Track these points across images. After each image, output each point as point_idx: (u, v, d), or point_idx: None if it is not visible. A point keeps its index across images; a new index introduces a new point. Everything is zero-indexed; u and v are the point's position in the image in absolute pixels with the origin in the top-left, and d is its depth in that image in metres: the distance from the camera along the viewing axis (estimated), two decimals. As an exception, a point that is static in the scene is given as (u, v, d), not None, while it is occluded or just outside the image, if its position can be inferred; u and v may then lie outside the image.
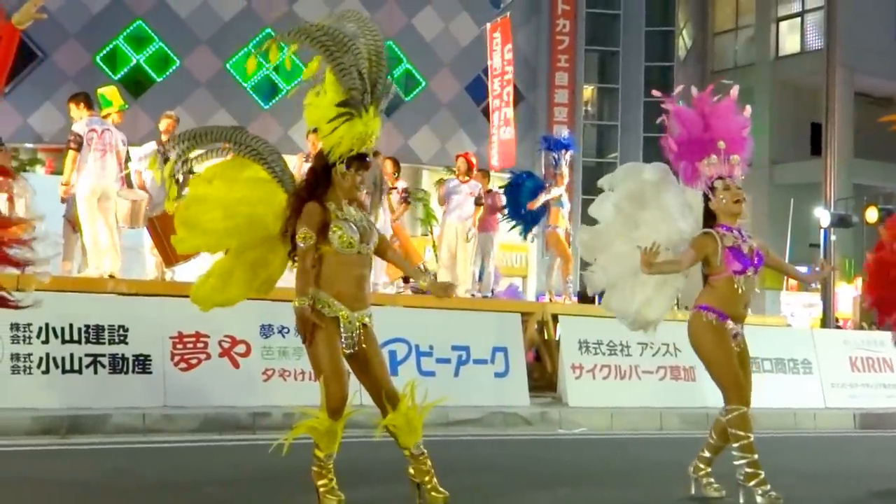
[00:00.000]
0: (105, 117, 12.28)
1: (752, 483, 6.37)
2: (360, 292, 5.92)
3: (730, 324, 6.50)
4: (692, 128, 6.71)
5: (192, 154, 6.22)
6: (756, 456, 6.39)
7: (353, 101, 5.85)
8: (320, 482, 5.90)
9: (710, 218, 6.61)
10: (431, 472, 6.01)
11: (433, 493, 5.94)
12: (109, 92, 12.86)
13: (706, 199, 6.62)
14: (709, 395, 12.24)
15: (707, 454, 6.71)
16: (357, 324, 5.88)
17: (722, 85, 6.86)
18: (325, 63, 5.88)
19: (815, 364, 14.31)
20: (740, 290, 6.49)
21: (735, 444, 6.43)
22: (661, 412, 11.94)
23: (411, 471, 6.04)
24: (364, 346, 5.92)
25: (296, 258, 5.91)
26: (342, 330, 5.84)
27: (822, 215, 23.31)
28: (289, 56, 6.01)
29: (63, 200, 12.38)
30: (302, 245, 5.77)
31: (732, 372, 6.47)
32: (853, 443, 11.89)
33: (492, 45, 23.13)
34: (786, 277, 29.90)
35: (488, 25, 23.63)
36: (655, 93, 7.13)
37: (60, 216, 12.56)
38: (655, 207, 6.81)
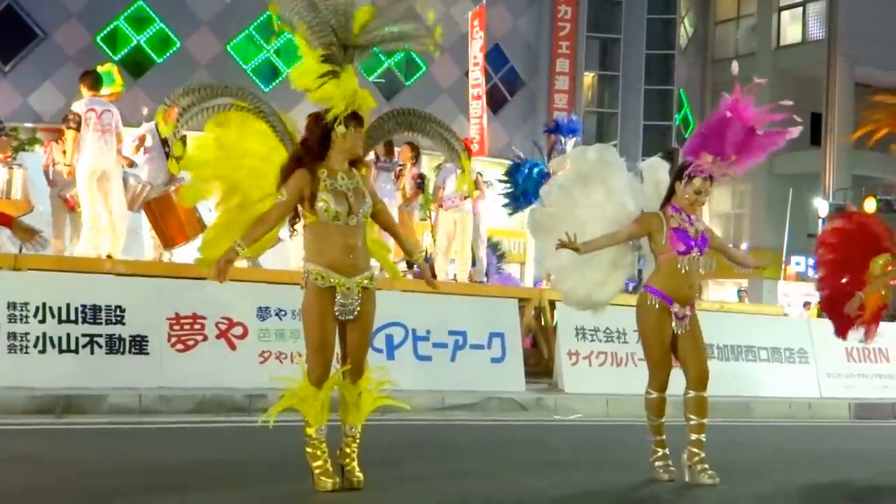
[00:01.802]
0: (110, 96, 12.27)
1: (651, 458, 6.81)
2: (354, 259, 5.88)
3: (676, 307, 6.67)
4: (729, 136, 6.73)
5: (199, 107, 6.21)
6: (662, 437, 6.82)
7: (333, 58, 5.93)
8: (315, 464, 5.91)
9: (671, 192, 6.78)
10: (353, 457, 6.00)
11: (350, 477, 5.94)
12: (114, 70, 12.86)
13: (678, 175, 6.75)
14: (704, 384, 12.30)
15: (694, 436, 6.73)
16: (357, 288, 5.88)
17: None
18: (299, 25, 5.95)
19: (811, 354, 14.33)
20: (683, 270, 6.68)
21: (649, 424, 6.82)
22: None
23: (338, 451, 6.02)
24: (360, 310, 5.91)
25: (294, 224, 5.97)
26: (339, 297, 5.83)
27: (821, 205, 23.33)
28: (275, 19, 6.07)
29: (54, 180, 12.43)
30: (276, 201, 5.83)
31: (655, 357, 6.77)
32: (848, 432, 11.91)
33: (472, 33, 23.11)
34: (784, 266, 30.02)
35: (469, 14, 23.56)
36: (759, 80, 7.06)
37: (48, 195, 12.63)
38: (601, 186, 6.99)
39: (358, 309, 5.90)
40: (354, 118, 5.92)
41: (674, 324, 6.70)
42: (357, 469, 5.99)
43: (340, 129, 5.87)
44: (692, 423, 6.72)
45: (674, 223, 6.67)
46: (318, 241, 5.86)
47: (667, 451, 6.80)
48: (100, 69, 12.69)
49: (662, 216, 6.70)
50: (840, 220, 9.18)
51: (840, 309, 8.18)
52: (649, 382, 6.82)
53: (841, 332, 8.49)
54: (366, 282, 5.93)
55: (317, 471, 5.89)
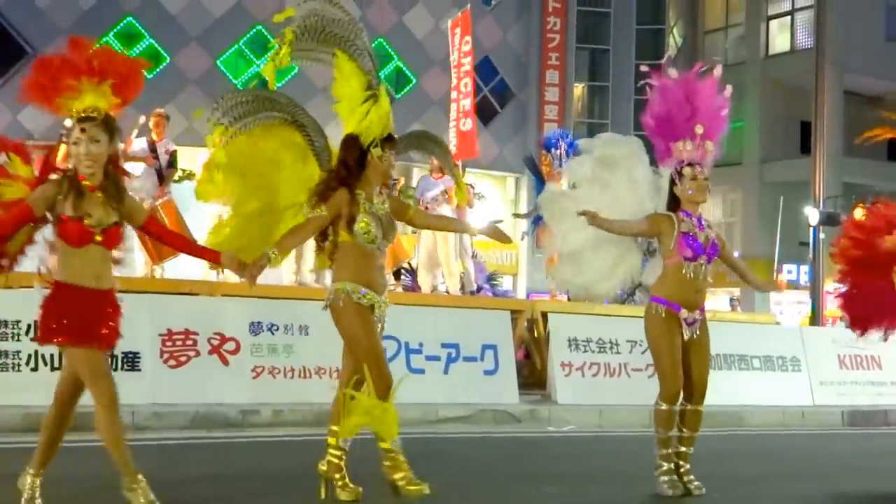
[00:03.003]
0: None
1: (656, 472, 6.62)
2: (383, 280, 6.11)
3: (684, 312, 6.59)
4: (674, 106, 6.70)
5: (243, 119, 6.18)
6: (670, 450, 6.61)
7: (373, 83, 5.99)
8: (337, 475, 5.96)
9: (673, 201, 6.70)
10: (405, 468, 6.02)
11: (409, 488, 5.95)
12: None
13: (672, 181, 6.68)
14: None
15: (683, 449, 6.71)
16: (385, 305, 6.04)
17: (710, 64, 6.88)
18: (337, 51, 5.98)
19: (803, 362, 14.36)
20: (689, 276, 6.59)
21: (656, 437, 6.63)
22: (649, 410, 11.90)
23: (385, 468, 6.03)
24: (381, 326, 6.09)
25: (323, 243, 6.02)
26: (377, 313, 5.98)
27: (812, 213, 23.35)
28: (285, 51, 6.02)
29: None
30: (310, 214, 5.88)
31: (667, 368, 6.60)
32: (841, 440, 11.92)
33: (452, 41, 23.06)
34: (775, 275, 30.04)
35: (449, 22, 23.53)
36: (645, 68, 7.13)
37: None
38: (626, 178, 6.92)
39: (382, 326, 6.09)
40: (389, 140, 6.01)
41: (685, 330, 6.60)
42: (414, 478, 6.01)
43: (377, 151, 5.94)
44: (685, 435, 6.69)
45: (684, 227, 6.59)
46: (353, 260, 5.96)
47: (672, 465, 6.66)
48: None
49: (674, 219, 6.61)
50: (864, 213, 9.01)
51: (861, 306, 8.06)
52: (661, 394, 6.63)
53: (860, 328, 8.29)
54: (388, 301, 6.11)
55: (339, 482, 5.96)
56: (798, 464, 9.16)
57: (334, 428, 6.04)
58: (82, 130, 5.27)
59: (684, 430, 6.70)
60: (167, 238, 5.79)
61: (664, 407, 6.61)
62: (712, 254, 6.69)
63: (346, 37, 6.00)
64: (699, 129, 6.61)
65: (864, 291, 7.93)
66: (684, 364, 6.68)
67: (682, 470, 6.67)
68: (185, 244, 5.79)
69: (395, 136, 6.15)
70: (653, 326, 6.64)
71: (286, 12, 6.13)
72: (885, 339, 8.30)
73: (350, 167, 5.96)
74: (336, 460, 5.99)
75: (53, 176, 5.39)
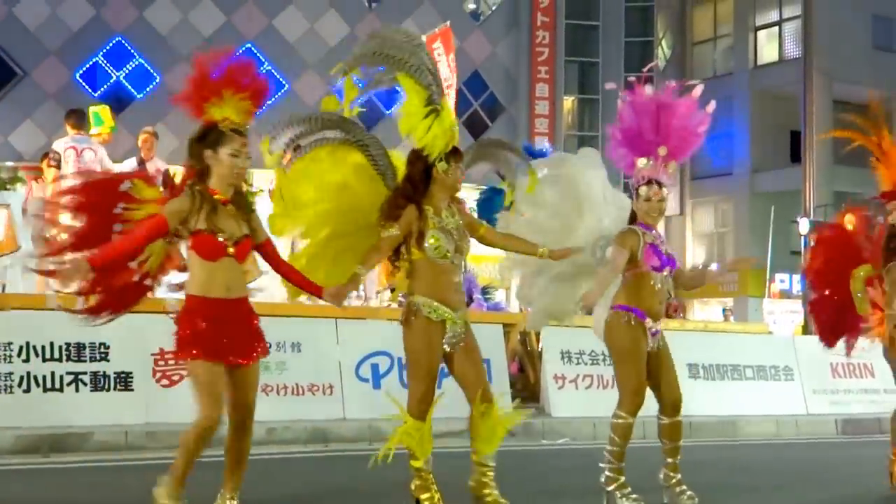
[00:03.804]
0: (98, 136, 12.29)
1: (612, 487, 6.55)
2: (459, 295, 6.08)
3: (648, 322, 6.54)
4: (643, 122, 6.66)
5: (304, 141, 6.16)
6: (623, 463, 6.55)
7: (434, 98, 5.95)
8: (424, 496, 6.03)
9: (633, 214, 6.69)
10: (492, 485, 6.12)
11: None
12: (103, 111, 12.86)
13: (632, 201, 6.69)
14: (690, 404, 12.28)
15: (670, 460, 6.69)
16: (460, 322, 6.02)
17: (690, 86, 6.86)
18: (396, 72, 5.99)
19: (796, 371, 14.37)
20: (656, 287, 6.55)
21: (607, 448, 6.57)
22: (643, 421, 11.86)
23: (471, 483, 6.15)
24: (466, 342, 6.06)
25: (397, 263, 6.06)
26: (448, 330, 5.97)
27: (803, 223, 23.43)
28: (348, 81, 6.06)
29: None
30: (384, 234, 5.89)
31: (634, 380, 6.51)
32: (835, 448, 11.93)
33: (433, 56, 23.04)
34: (768, 284, 30.10)
35: (424, 38, 23.55)
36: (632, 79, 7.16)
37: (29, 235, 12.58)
38: (572, 198, 6.87)
39: (465, 341, 6.05)
40: (454, 153, 5.99)
41: (649, 340, 6.56)
42: (500, 497, 6.10)
43: (442, 165, 5.94)
44: (668, 447, 6.66)
45: (648, 239, 6.56)
46: (426, 276, 5.96)
47: (625, 478, 6.60)
48: (91, 109, 12.73)
49: (639, 231, 6.57)
50: (826, 229, 9.16)
51: (825, 317, 8.15)
52: (623, 406, 6.52)
53: (827, 339, 8.39)
54: (467, 317, 6.13)
55: (426, 503, 6.00)
56: (791, 473, 9.16)
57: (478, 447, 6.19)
58: (243, 144, 5.30)
59: (667, 441, 6.66)
60: (277, 263, 5.71)
61: (628, 420, 6.52)
62: (673, 266, 6.67)
63: (401, 57, 5.96)
64: (662, 151, 6.58)
65: (829, 302, 8.02)
66: (653, 377, 6.61)
67: (673, 482, 6.64)
68: (292, 273, 5.74)
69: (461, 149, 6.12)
70: (621, 335, 6.53)
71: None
72: (848, 353, 8.36)
73: (416, 183, 5.96)
74: (419, 481, 6.06)
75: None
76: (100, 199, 5.51)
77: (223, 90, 5.33)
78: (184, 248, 5.45)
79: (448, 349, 6.02)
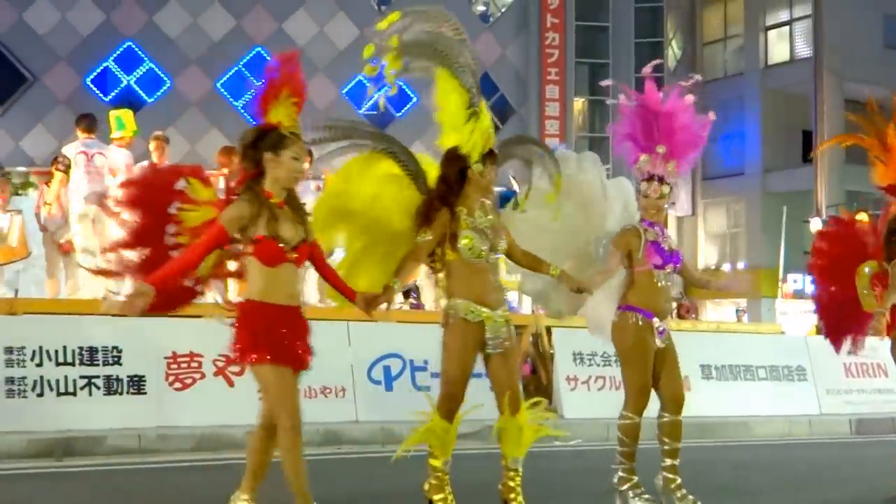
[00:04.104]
0: (118, 139, 12.32)
1: (625, 487, 6.55)
2: (497, 294, 6.02)
3: (655, 321, 6.54)
4: (643, 126, 6.70)
5: (328, 149, 6.13)
6: (634, 463, 6.55)
7: (474, 101, 5.95)
8: (437, 496, 6.00)
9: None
10: (518, 491, 6.07)
11: None
12: (125, 115, 12.86)
13: (636, 196, 6.74)
14: (703, 404, 12.30)
15: (668, 461, 6.58)
16: (501, 321, 5.97)
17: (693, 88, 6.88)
18: (439, 67, 5.96)
19: (809, 371, 14.33)
20: (660, 284, 6.57)
21: (618, 449, 6.58)
22: (655, 423, 11.93)
23: (500, 486, 6.11)
24: (507, 343, 6.02)
25: (434, 265, 6.02)
26: (488, 332, 5.93)
27: (814, 222, 23.39)
28: (392, 78, 6.01)
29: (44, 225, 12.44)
30: (419, 240, 5.86)
31: (641, 381, 6.54)
32: (849, 448, 11.89)
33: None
34: (780, 284, 30.04)
35: None
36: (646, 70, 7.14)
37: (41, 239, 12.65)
38: (577, 198, 6.79)
39: (507, 343, 6.01)
40: (490, 156, 5.97)
41: (657, 339, 6.54)
42: (524, 503, 6.04)
43: (478, 167, 5.92)
44: (667, 447, 6.56)
45: (650, 236, 6.57)
46: (462, 277, 5.93)
47: (637, 478, 6.59)
48: (113, 113, 12.76)
49: (640, 229, 6.58)
50: (831, 225, 9.12)
51: (831, 316, 8.12)
52: (629, 406, 6.55)
53: (835, 340, 8.36)
54: (507, 315, 6.05)
55: None
56: (804, 473, 9.13)
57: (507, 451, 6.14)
58: (302, 148, 5.27)
59: (667, 441, 6.58)
60: (321, 265, 5.64)
61: (635, 420, 6.54)
62: (677, 262, 6.66)
63: (450, 54, 5.95)
64: (661, 149, 6.61)
65: (835, 301, 7.97)
66: (656, 373, 6.60)
67: (673, 486, 6.51)
68: (333, 275, 5.69)
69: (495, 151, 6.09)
70: (628, 336, 6.54)
71: (390, 17, 6.05)
72: (855, 351, 8.32)
73: (451, 184, 5.94)
74: (434, 481, 6.04)
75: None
76: (155, 196, 5.45)
77: (281, 93, 5.26)
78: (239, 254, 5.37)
79: (490, 351, 5.99)
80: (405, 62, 6.02)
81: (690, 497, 6.50)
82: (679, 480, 6.55)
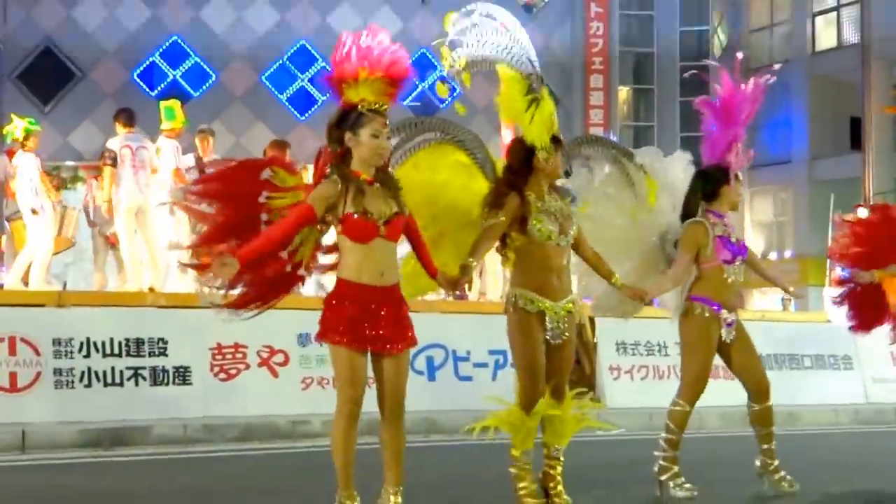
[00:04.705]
0: (168, 130, 12.46)
1: (665, 476, 6.60)
2: (561, 283, 5.98)
3: (724, 313, 6.55)
4: (743, 108, 6.70)
5: (407, 145, 6.13)
6: (678, 452, 6.60)
7: (534, 87, 5.96)
8: (521, 484, 6.01)
9: (695, 200, 6.63)
10: (558, 480, 6.09)
11: (556, 500, 6.04)
12: (175, 105, 12.97)
13: (714, 182, 6.62)
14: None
15: (765, 446, 6.74)
16: (562, 313, 5.95)
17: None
18: (498, 63, 5.98)
19: (855, 359, 14.22)
20: (730, 279, 6.57)
21: (663, 436, 6.62)
22: (699, 411, 11.83)
23: (541, 474, 6.13)
24: (566, 335, 5.98)
25: (503, 251, 6.01)
26: (548, 322, 5.91)
27: (862, 210, 23.12)
28: (466, 74, 6.03)
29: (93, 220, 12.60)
30: (491, 222, 5.83)
31: (699, 371, 6.58)
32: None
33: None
34: (828, 273, 29.75)
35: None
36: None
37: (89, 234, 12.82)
38: (632, 197, 6.77)
39: (567, 334, 5.98)
40: (555, 141, 6.00)
41: (723, 331, 6.58)
42: (563, 492, 6.08)
43: (542, 153, 5.92)
44: (762, 433, 6.72)
45: (718, 230, 6.56)
46: (528, 265, 5.94)
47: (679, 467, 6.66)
48: (163, 104, 12.89)
49: (707, 225, 6.57)
50: (868, 211, 8.99)
51: (861, 303, 8.01)
52: (684, 395, 6.62)
53: (863, 327, 8.25)
54: (570, 306, 6.01)
55: (522, 492, 6.00)
56: (852, 463, 9.07)
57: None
58: (383, 124, 5.21)
59: (760, 428, 6.71)
60: (417, 238, 5.59)
61: (686, 408, 6.62)
62: (744, 254, 6.68)
63: (502, 47, 5.97)
64: (739, 145, 6.66)
65: (864, 290, 7.87)
66: (735, 366, 6.70)
67: (771, 468, 6.71)
68: (424, 250, 5.61)
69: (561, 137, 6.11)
70: (695, 327, 6.57)
71: (448, 17, 6.06)
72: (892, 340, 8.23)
73: (517, 171, 5.96)
74: (515, 469, 6.05)
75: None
76: (241, 188, 5.40)
77: (358, 71, 5.20)
78: (333, 235, 5.32)
79: (551, 342, 5.95)
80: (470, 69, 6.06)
81: (788, 478, 6.67)
82: (777, 463, 6.72)
